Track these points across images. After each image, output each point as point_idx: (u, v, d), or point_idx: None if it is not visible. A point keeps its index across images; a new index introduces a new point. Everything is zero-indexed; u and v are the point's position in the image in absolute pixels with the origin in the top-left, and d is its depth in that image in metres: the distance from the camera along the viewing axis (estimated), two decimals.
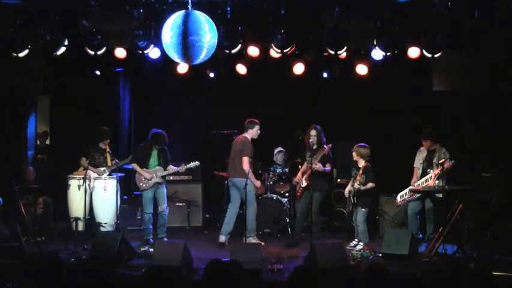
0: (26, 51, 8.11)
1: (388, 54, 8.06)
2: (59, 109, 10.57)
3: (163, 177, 8.31)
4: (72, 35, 8.22)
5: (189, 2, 6.06)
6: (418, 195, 7.97)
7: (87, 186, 8.22)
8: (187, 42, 5.74)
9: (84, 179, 8.16)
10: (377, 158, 7.98)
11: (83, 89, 9.94)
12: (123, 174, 8.83)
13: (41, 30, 8.01)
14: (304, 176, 8.12)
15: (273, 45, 8.19)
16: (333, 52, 8.08)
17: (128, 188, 9.30)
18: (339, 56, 8.27)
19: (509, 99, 8.66)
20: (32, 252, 7.12)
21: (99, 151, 8.63)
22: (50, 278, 4.03)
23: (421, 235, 8.08)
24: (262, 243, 7.74)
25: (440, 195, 7.59)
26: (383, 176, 8.17)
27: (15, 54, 8.07)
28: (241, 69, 9.34)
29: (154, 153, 8.33)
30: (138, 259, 7.18)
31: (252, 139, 8.29)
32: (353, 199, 7.75)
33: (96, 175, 8.49)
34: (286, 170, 9.59)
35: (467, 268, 6.36)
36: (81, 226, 8.19)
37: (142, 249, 7.62)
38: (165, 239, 8.03)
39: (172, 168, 8.34)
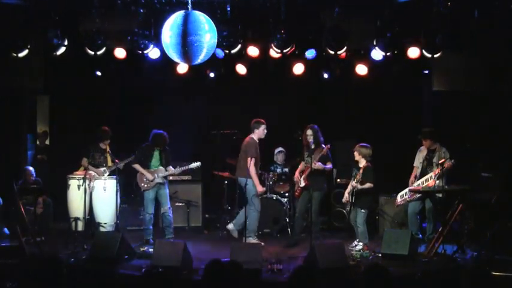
0: (25, 51, 8.12)
1: (388, 54, 8.06)
2: (58, 109, 10.58)
3: (165, 177, 8.31)
4: (72, 35, 8.23)
5: (189, 2, 6.06)
6: (418, 195, 7.97)
7: (86, 186, 8.21)
8: (186, 42, 5.74)
9: (84, 179, 8.17)
10: (377, 158, 7.97)
11: (83, 89, 9.94)
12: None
13: (40, 30, 8.01)
14: (303, 176, 8.12)
15: (272, 45, 8.19)
16: (332, 52, 8.08)
17: (128, 189, 9.29)
18: (339, 56, 8.27)
19: (509, 99, 8.66)
20: (32, 252, 7.12)
21: (99, 151, 8.64)
22: (50, 278, 4.02)
23: (420, 235, 8.07)
24: (262, 244, 7.74)
25: (440, 195, 7.59)
26: (383, 176, 8.17)
27: (15, 54, 8.08)
28: (241, 69, 9.34)
29: (156, 153, 8.34)
30: (138, 259, 7.17)
31: (259, 139, 8.33)
32: (351, 198, 7.73)
33: (96, 175, 8.49)
34: (286, 170, 9.60)
35: (467, 268, 6.39)
36: (80, 226, 8.20)
37: (142, 249, 7.62)
38: (168, 239, 8.04)
39: (171, 169, 8.34)
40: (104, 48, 8.23)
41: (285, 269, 6.59)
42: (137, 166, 8.29)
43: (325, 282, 5.71)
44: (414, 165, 8.29)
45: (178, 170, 8.38)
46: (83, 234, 8.05)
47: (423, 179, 7.93)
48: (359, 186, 7.62)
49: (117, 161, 8.28)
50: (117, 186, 8.27)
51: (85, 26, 8.20)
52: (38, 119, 10.49)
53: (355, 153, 7.87)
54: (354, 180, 7.77)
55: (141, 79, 9.57)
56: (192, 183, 9.66)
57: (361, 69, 8.99)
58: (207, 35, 5.82)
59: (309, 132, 8.06)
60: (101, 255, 6.95)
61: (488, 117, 8.88)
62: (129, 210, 9.31)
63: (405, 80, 9.37)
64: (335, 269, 6.41)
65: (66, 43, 8.19)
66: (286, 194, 9.39)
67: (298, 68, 9.07)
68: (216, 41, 6.02)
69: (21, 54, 8.11)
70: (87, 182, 8.22)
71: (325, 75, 9.17)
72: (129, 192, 9.36)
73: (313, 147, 8.00)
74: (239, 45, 8.17)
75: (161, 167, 8.30)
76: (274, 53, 8.37)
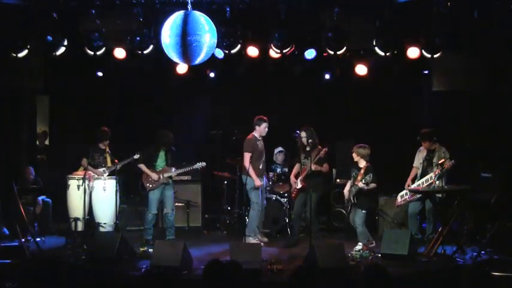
0: (25, 51, 8.12)
1: (387, 54, 8.06)
2: (58, 109, 10.57)
3: (170, 178, 8.31)
4: (72, 35, 8.23)
5: (189, 2, 6.06)
6: (418, 195, 7.97)
7: (86, 187, 8.21)
8: (186, 42, 5.74)
9: (84, 179, 8.16)
10: (377, 158, 7.97)
11: (83, 89, 9.94)
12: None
13: (40, 30, 8.01)
14: (300, 178, 8.12)
15: (272, 45, 8.19)
16: (332, 52, 8.08)
17: (127, 189, 9.29)
18: (339, 56, 8.27)
19: (509, 99, 8.66)
20: (32, 252, 7.11)
21: (98, 151, 8.63)
22: (49, 278, 4.02)
23: (420, 235, 8.07)
24: (262, 244, 7.74)
25: (440, 195, 7.59)
26: (383, 176, 8.16)
27: (14, 54, 8.07)
28: (241, 69, 9.33)
29: (162, 154, 8.36)
30: (138, 259, 7.17)
31: (262, 136, 8.36)
32: (353, 199, 7.72)
33: (96, 175, 8.49)
34: (286, 170, 9.60)
35: (466, 268, 6.39)
36: (80, 226, 8.20)
37: (141, 249, 7.61)
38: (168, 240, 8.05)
39: (173, 170, 8.35)
40: (104, 49, 8.23)
41: (284, 269, 6.58)
42: (142, 166, 8.30)
43: (325, 282, 5.71)
44: (414, 165, 8.27)
45: (183, 170, 8.38)
46: (83, 234, 8.04)
47: (423, 179, 7.93)
48: (366, 188, 7.58)
49: (116, 161, 8.28)
50: (116, 187, 8.26)
51: (85, 26, 8.19)
52: (38, 119, 10.48)
53: (354, 155, 7.85)
54: (354, 180, 7.76)
55: (141, 79, 9.58)
56: (191, 183, 9.65)
57: (361, 70, 8.99)
58: (207, 35, 5.83)
59: (303, 134, 8.07)
60: (101, 256, 6.94)
61: (488, 117, 8.88)
62: (129, 210, 9.32)
63: (405, 80, 9.37)
64: (335, 269, 6.41)
65: (66, 43, 8.18)
66: (286, 194, 9.38)
67: (299, 68, 9.08)
68: (216, 41, 6.02)
69: (21, 54, 8.10)
70: (86, 182, 8.21)
71: (326, 76, 9.17)
72: (129, 193, 9.36)
73: (308, 149, 8.01)
74: (239, 46, 8.17)
75: (166, 167, 8.30)
76: (273, 53, 8.36)
